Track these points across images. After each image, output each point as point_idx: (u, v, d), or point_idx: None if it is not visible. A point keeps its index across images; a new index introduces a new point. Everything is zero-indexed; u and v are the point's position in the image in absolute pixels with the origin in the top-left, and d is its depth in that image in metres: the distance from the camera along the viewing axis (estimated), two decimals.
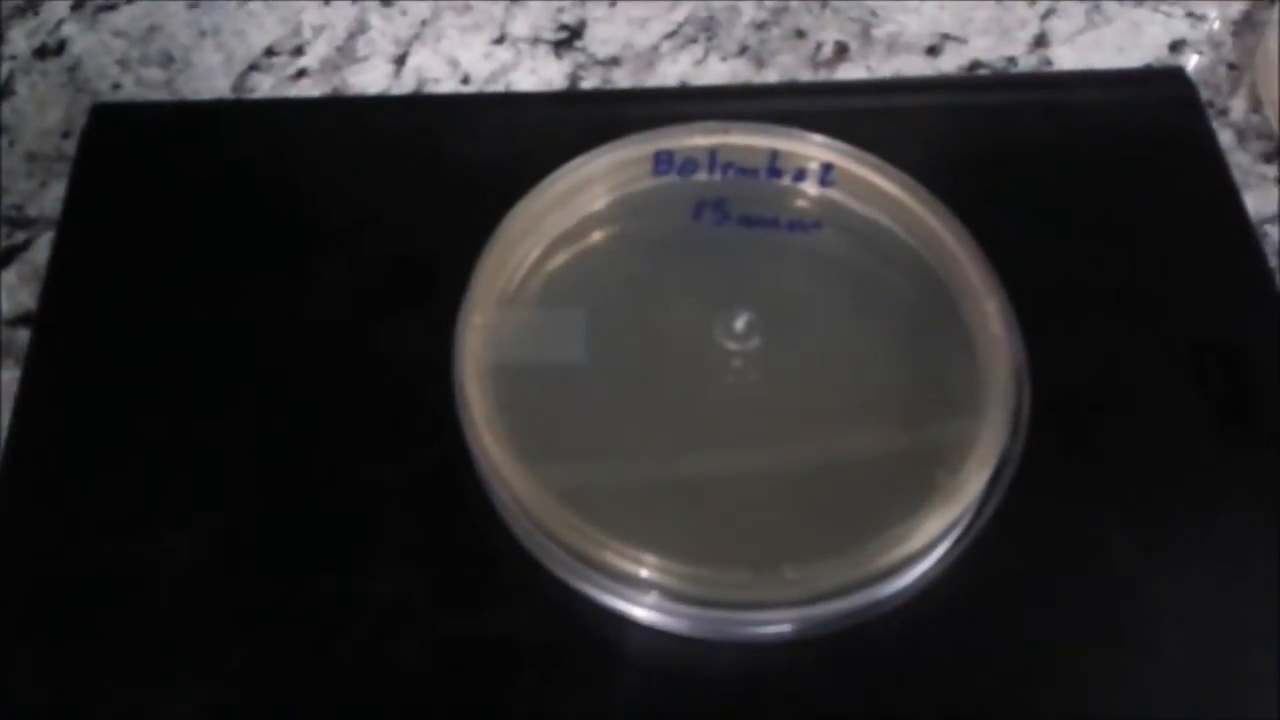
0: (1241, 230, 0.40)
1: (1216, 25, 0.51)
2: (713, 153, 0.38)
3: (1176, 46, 0.51)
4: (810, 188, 0.38)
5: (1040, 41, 0.50)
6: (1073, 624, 0.33)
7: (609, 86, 0.46)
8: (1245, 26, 0.51)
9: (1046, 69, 0.49)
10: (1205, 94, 0.48)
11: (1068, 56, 0.50)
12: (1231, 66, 0.50)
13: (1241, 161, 0.47)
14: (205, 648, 0.32)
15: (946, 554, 0.33)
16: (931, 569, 0.33)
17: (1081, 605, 0.33)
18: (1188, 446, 0.36)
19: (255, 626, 0.33)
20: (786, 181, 0.38)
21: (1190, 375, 0.37)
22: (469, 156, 0.41)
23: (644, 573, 0.31)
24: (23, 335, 0.42)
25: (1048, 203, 0.40)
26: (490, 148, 0.41)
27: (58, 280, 0.38)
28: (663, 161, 0.38)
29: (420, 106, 0.44)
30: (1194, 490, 0.35)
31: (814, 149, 0.38)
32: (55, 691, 0.32)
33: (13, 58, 0.49)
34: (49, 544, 0.34)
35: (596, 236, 0.38)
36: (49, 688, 0.32)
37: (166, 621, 0.33)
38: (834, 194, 0.38)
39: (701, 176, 0.38)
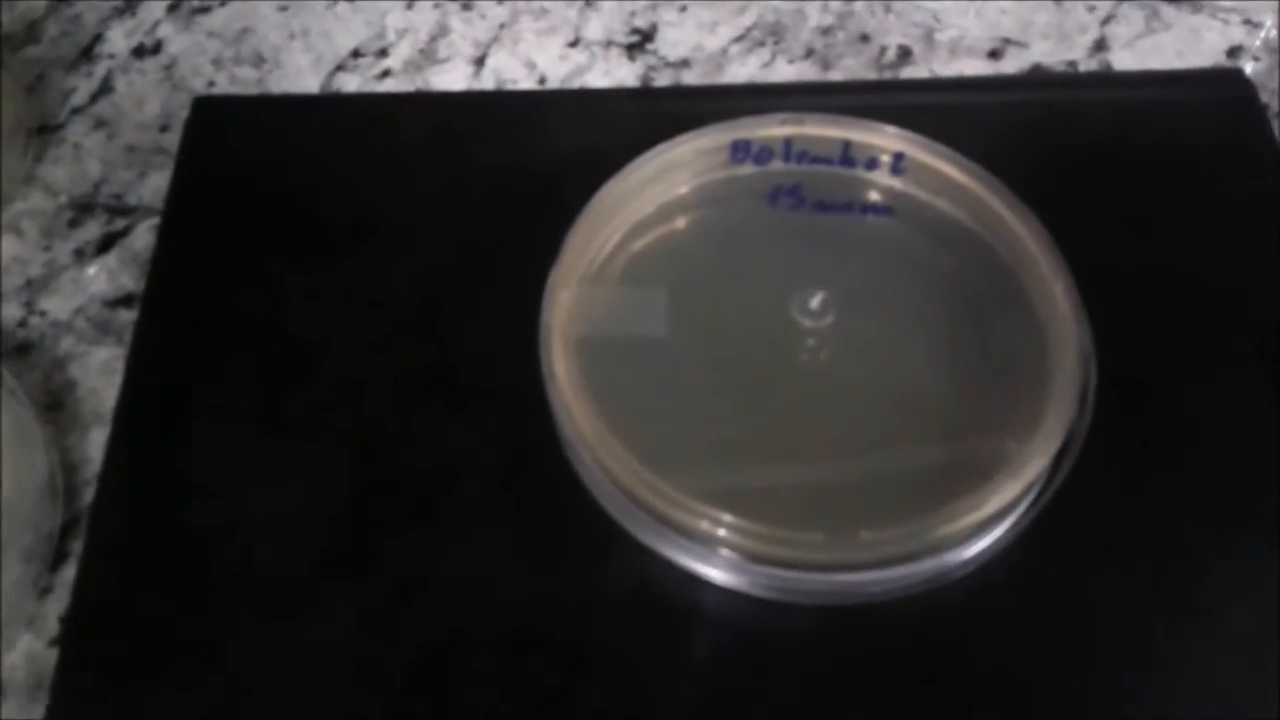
0: None
1: (1274, 32, 0.52)
2: (788, 142, 0.39)
3: (1234, 52, 0.52)
4: (882, 176, 0.40)
5: (1100, 46, 0.51)
6: (1136, 597, 0.34)
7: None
8: None
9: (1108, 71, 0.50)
10: (1263, 97, 0.49)
11: (1127, 61, 0.51)
12: None
13: None
14: (299, 601, 0.34)
15: (1014, 524, 0.34)
16: (1000, 539, 0.34)
17: (1145, 578, 0.34)
18: (1251, 426, 0.37)
19: (347, 583, 0.34)
20: (859, 169, 0.39)
21: (1254, 359, 0.38)
22: (552, 149, 0.42)
23: (722, 533, 0.33)
24: (123, 315, 0.44)
25: (1113, 196, 0.42)
26: (571, 142, 0.43)
27: (163, 258, 0.40)
28: (740, 150, 0.39)
29: (503, 102, 0.46)
30: (1257, 467, 0.36)
31: (886, 139, 0.39)
32: (158, 639, 0.34)
33: (112, 56, 0.51)
34: (152, 507, 0.36)
35: (676, 220, 0.39)
36: (152, 636, 0.34)
37: (262, 576, 0.34)
38: (905, 181, 0.39)
39: (776, 165, 0.40)
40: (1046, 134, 0.43)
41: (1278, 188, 0.42)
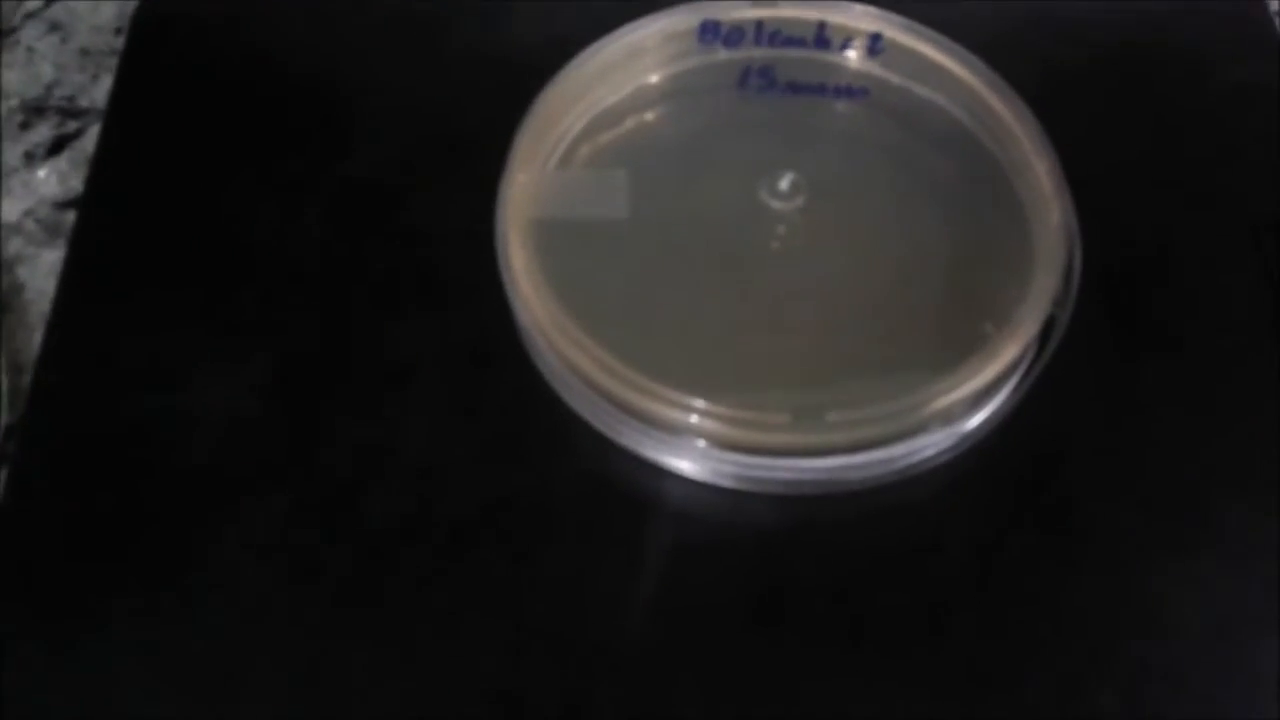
0: None
1: None
2: (759, 23, 0.37)
3: None
4: (858, 56, 0.38)
5: None
6: (1118, 489, 0.33)
7: None
8: None
9: None
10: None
11: None
12: None
13: None
14: (247, 493, 0.32)
15: (994, 412, 0.33)
16: (978, 426, 0.32)
17: (1128, 470, 0.33)
18: (1240, 313, 0.35)
19: (297, 474, 0.33)
20: (834, 50, 0.38)
21: (1248, 253, 0.36)
22: (521, 37, 0.41)
23: (687, 419, 0.31)
24: (72, 218, 0.42)
25: (1105, 84, 0.40)
26: (541, 28, 0.41)
27: (106, 152, 0.39)
28: (709, 31, 0.37)
29: None
30: (1244, 353, 0.34)
31: (862, 19, 0.37)
32: (99, 533, 0.32)
33: None
34: (92, 400, 0.34)
35: (642, 105, 0.38)
36: (95, 530, 0.32)
37: (208, 468, 0.33)
38: (882, 63, 0.38)
39: (748, 47, 0.38)
40: (1034, 21, 0.41)
41: (1277, 78, 0.40)
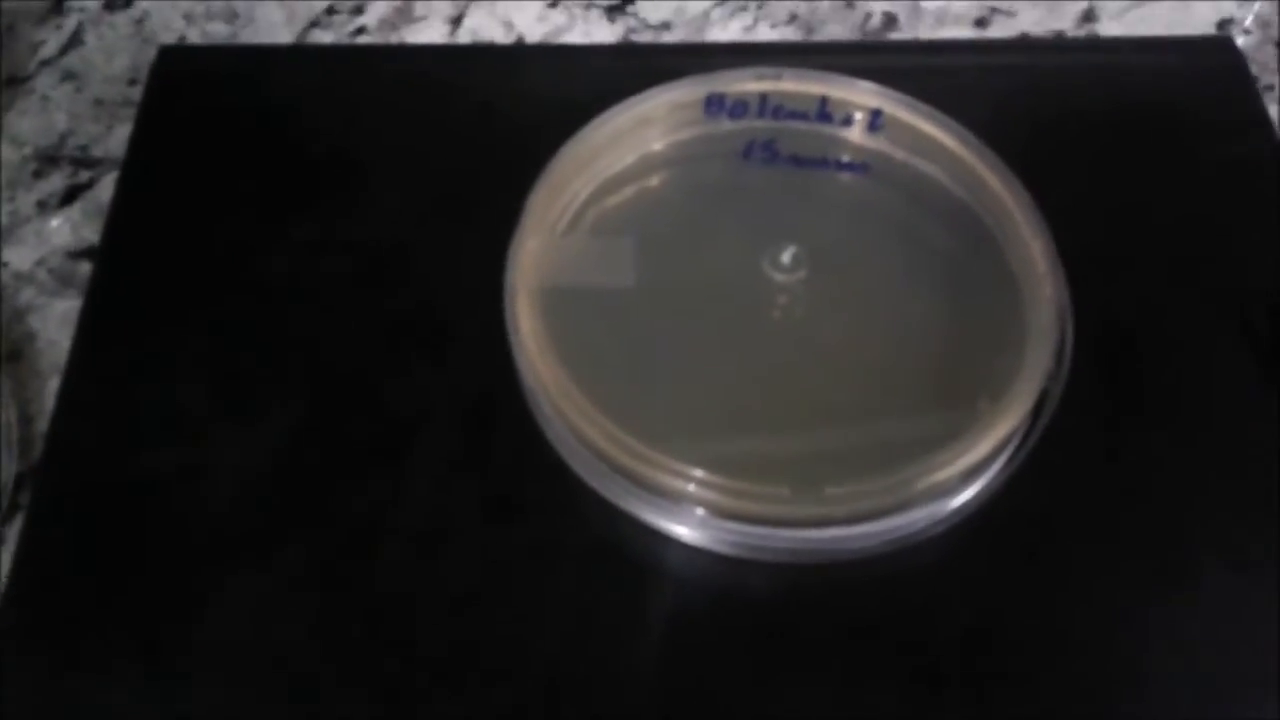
0: None
1: (1264, 5, 0.51)
2: (763, 97, 0.38)
3: (1224, 25, 0.51)
4: (859, 131, 0.39)
5: (1089, 16, 0.50)
6: (1112, 557, 0.33)
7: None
8: None
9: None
10: (1253, 70, 0.48)
11: (1115, 32, 0.50)
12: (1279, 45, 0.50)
13: None
14: (256, 547, 0.33)
15: (987, 484, 0.33)
16: (972, 499, 0.33)
17: (1122, 539, 0.34)
18: (1230, 390, 0.36)
19: (304, 533, 0.33)
20: (836, 126, 0.39)
21: (1235, 324, 0.37)
22: (528, 104, 0.42)
23: (687, 487, 0.32)
24: (85, 268, 0.43)
25: (1098, 160, 0.41)
26: (547, 96, 0.42)
27: (122, 205, 0.39)
28: (714, 104, 0.38)
29: (476, 56, 0.45)
30: (1235, 427, 0.35)
31: (863, 95, 0.38)
32: (112, 584, 0.33)
33: (83, 10, 0.50)
34: (106, 450, 0.35)
35: (648, 174, 0.39)
36: (107, 581, 0.33)
37: (217, 520, 0.34)
38: (882, 138, 0.39)
39: (751, 119, 0.39)
40: (1031, 97, 0.42)
41: (1265, 155, 0.41)
